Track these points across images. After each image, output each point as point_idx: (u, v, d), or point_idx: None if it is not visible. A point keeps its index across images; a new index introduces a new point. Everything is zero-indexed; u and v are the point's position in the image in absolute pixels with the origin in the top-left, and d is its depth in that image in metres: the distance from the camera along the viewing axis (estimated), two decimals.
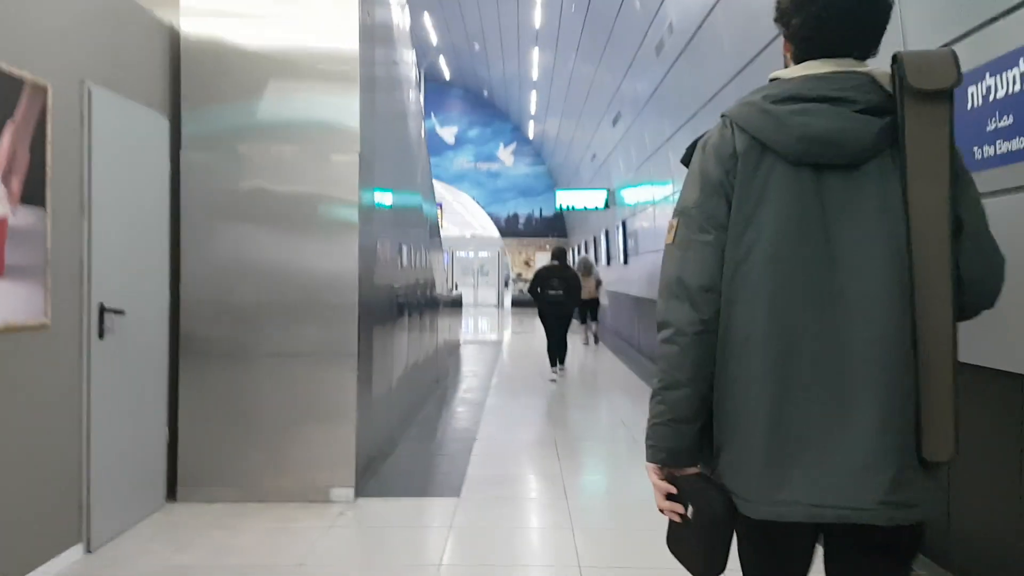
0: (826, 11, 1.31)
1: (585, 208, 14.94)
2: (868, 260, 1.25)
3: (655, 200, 9.67)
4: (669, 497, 1.36)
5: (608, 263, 14.97)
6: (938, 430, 1.22)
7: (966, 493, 2.48)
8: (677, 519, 1.35)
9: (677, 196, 1.44)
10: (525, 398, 7.35)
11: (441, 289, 9.50)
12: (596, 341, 12.07)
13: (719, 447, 1.34)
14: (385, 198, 4.97)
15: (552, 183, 27.14)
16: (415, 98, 7.54)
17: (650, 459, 1.37)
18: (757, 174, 1.30)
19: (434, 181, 29.06)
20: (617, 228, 12.84)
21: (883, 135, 1.26)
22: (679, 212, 1.39)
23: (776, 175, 1.29)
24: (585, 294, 9.94)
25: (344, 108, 4.06)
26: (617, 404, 7.12)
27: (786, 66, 1.41)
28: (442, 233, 30.41)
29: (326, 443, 3.99)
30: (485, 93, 27.95)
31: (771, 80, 1.38)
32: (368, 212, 4.23)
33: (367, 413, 4.30)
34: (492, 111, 28.85)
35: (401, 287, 5.66)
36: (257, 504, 3.91)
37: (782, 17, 1.38)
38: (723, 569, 1.32)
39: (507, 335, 15.00)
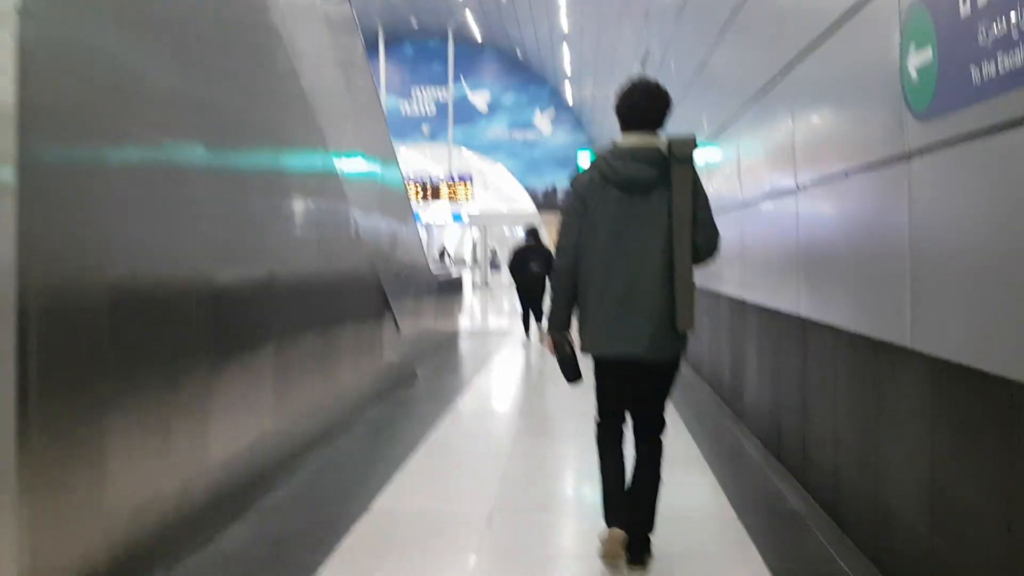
0: (629, 109, 2.74)
1: None
2: (648, 235, 2.64)
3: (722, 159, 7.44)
4: (556, 348, 2.80)
5: None
6: (683, 316, 2.61)
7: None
8: (555, 355, 2.81)
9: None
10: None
11: (417, 270, 7.51)
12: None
13: (577, 324, 2.76)
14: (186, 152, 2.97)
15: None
16: (349, 45, 5.59)
17: (548, 328, 2.83)
18: (601, 193, 2.67)
19: (465, 151, 27.13)
20: None
21: (660, 177, 2.65)
22: (563, 211, 2.78)
23: (609, 194, 2.67)
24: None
25: None
26: None
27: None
28: (475, 208, 28.45)
29: None
30: (519, 54, 25.70)
31: (613, 144, 2.75)
32: (69, 174, 2.19)
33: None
34: (527, 74, 26.63)
35: (284, 280, 3.69)
36: None
37: (615, 110, 2.79)
38: (579, 376, 2.81)
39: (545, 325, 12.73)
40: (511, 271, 9.40)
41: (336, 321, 4.62)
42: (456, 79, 26.33)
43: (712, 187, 3.92)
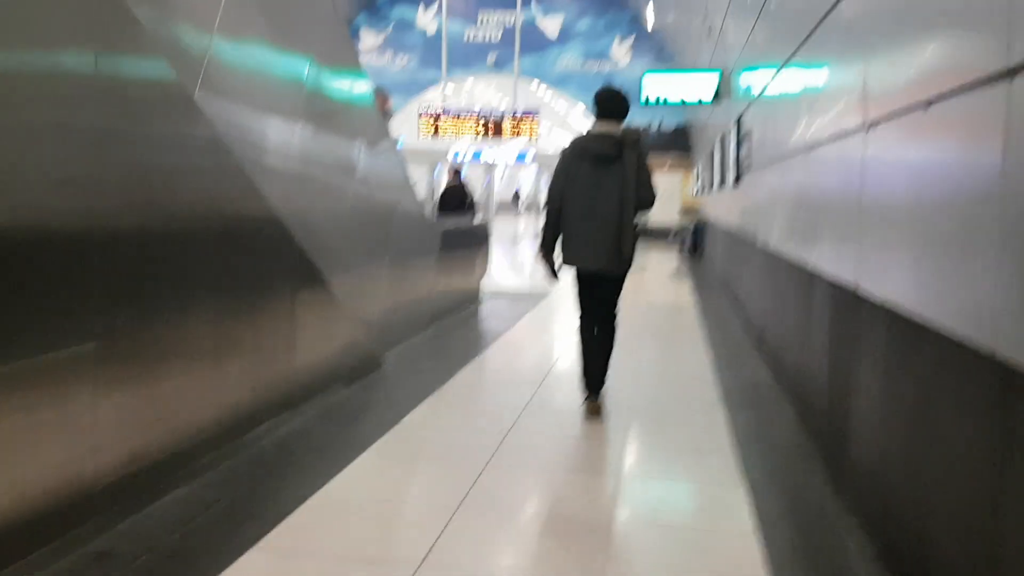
0: (601, 106, 4.02)
1: (683, 102, 10.24)
2: (608, 192, 3.88)
3: (781, 91, 5.12)
4: (544, 259, 4.12)
5: (719, 185, 10.39)
6: (626, 246, 3.89)
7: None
8: (543, 264, 4.14)
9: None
10: None
11: (396, 218, 5.59)
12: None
13: (560, 246, 4.07)
14: None
15: None
16: None
17: (537, 249, 4.11)
18: (579, 162, 3.95)
19: (535, 82, 24.70)
20: (731, 131, 8.31)
21: (617, 153, 3.88)
22: (554, 171, 4.05)
23: (583, 163, 3.93)
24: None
25: None
26: None
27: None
28: (542, 146, 26.19)
29: None
30: None
31: (588, 130, 4.02)
32: None
33: None
34: None
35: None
36: None
37: (593, 104, 4.07)
38: (556, 277, 4.15)
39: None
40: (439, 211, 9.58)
41: (159, 304, 2.75)
42: (525, 3, 23.79)
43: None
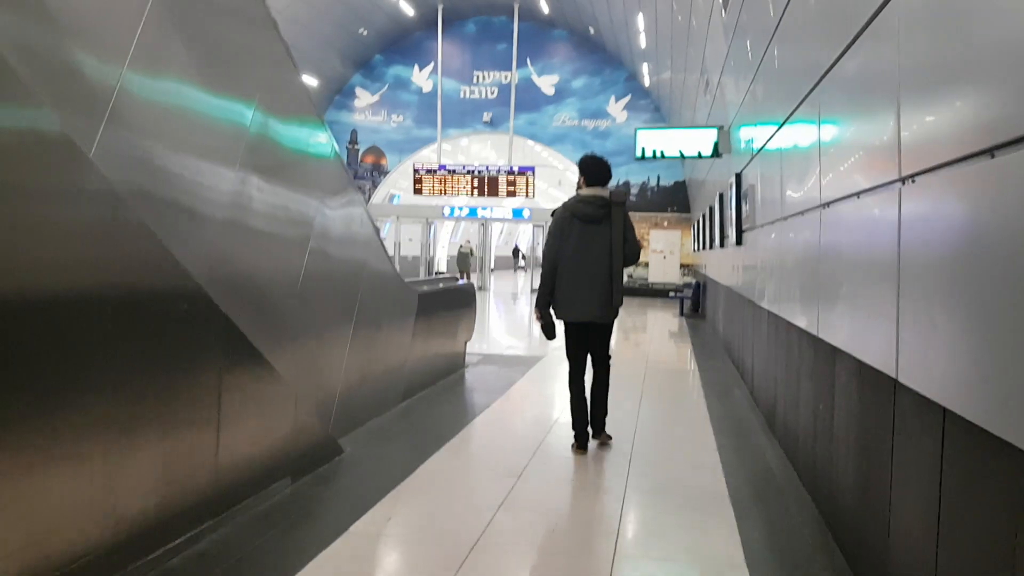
0: (590, 174, 4.61)
1: (682, 155, 9.75)
2: (597, 249, 4.45)
3: (787, 144, 4.60)
4: (540, 317, 4.64)
5: (719, 244, 9.87)
6: (616, 296, 4.48)
7: None
8: (540, 324, 4.68)
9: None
10: None
11: (365, 280, 5.02)
12: None
13: (553, 303, 4.59)
14: None
15: None
16: None
17: (536, 305, 4.63)
18: (570, 223, 4.50)
19: (529, 141, 24.51)
20: (731, 187, 7.82)
21: (605, 214, 4.48)
22: (549, 233, 4.64)
23: (575, 223, 4.49)
24: None
25: None
26: None
27: (580, 187, 4.66)
28: (537, 203, 25.84)
29: None
30: (592, 32, 22.92)
31: (577, 192, 4.62)
32: None
33: None
34: (602, 56, 23.79)
35: None
36: None
37: (581, 173, 4.67)
38: (553, 336, 4.70)
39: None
40: None
41: (22, 399, 2.15)
42: (521, 63, 23.78)
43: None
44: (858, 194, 2.92)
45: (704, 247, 14.49)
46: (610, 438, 4.76)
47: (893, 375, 2.41)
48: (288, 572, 2.82)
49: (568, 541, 3.33)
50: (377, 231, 5.52)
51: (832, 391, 3.32)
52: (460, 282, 8.18)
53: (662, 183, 23.31)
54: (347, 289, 4.80)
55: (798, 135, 4.32)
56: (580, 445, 4.59)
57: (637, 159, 10.12)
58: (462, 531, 3.27)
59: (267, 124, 3.86)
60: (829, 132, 3.52)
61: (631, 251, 4.51)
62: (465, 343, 7.84)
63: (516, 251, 44.91)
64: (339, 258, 4.70)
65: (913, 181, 2.30)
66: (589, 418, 4.68)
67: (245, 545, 3.06)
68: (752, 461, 4.59)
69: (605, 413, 4.75)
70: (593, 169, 4.61)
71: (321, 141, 4.49)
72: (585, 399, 4.64)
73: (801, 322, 4.03)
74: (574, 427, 4.64)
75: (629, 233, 4.51)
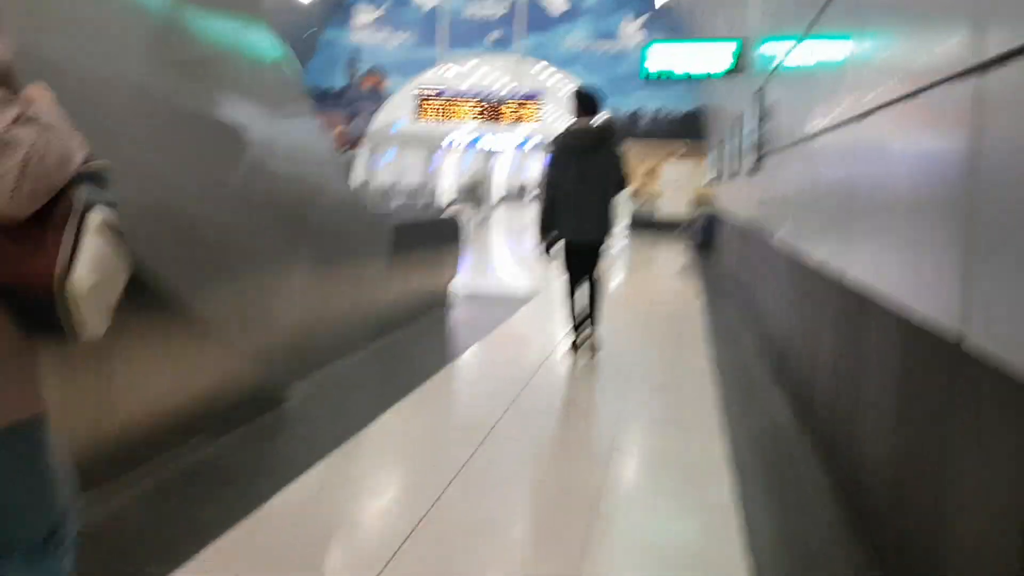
0: (578, 104, 5.03)
1: (688, 76, 8.81)
2: (591, 178, 4.91)
3: (821, 45, 3.77)
4: (543, 239, 5.11)
5: (734, 173, 9.05)
6: (609, 219, 5.04)
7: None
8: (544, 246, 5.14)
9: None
10: None
11: (324, 208, 4.34)
12: None
13: (555, 226, 5.06)
14: None
15: None
16: None
17: (536, 230, 5.12)
18: (565, 153, 4.98)
19: (537, 63, 23.33)
20: (751, 105, 6.99)
21: (597, 143, 4.95)
22: (546, 164, 5.10)
23: (570, 156, 4.95)
24: None
25: None
26: None
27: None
28: (550, 132, 24.83)
29: None
30: None
31: (569, 125, 5.02)
32: None
33: None
34: None
35: None
36: None
37: (572, 103, 5.11)
38: (551, 256, 5.16)
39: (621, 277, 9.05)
40: None
41: None
42: None
43: None
44: (915, 93, 2.20)
45: (718, 178, 13.64)
46: (599, 348, 5.24)
47: (955, 334, 1.74)
48: (181, 560, 2.25)
49: (535, 511, 2.73)
50: (353, 158, 4.83)
51: (857, 346, 2.65)
52: (447, 214, 7.47)
53: (675, 111, 22.19)
54: (296, 216, 4.13)
55: (836, 30, 3.53)
56: (574, 343, 5.24)
57: (642, 79, 9.20)
58: (405, 513, 2.69)
59: (183, 11, 3.12)
60: (875, 20, 2.76)
61: (620, 181, 5.08)
62: (450, 280, 7.19)
63: (522, 188, 43.49)
64: (285, 178, 4.01)
65: (1004, 65, 1.59)
66: (581, 320, 5.26)
67: (129, 524, 2.48)
68: (756, 420, 3.98)
69: (595, 319, 5.23)
70: (584, 101, 5.10)
71: (265, 43, 3.74)
72: (575, 302, 5.23)
73: (828, 265, 3.34)
74: (570, 321, 5.27)
75: (619, 162, 5.06)
